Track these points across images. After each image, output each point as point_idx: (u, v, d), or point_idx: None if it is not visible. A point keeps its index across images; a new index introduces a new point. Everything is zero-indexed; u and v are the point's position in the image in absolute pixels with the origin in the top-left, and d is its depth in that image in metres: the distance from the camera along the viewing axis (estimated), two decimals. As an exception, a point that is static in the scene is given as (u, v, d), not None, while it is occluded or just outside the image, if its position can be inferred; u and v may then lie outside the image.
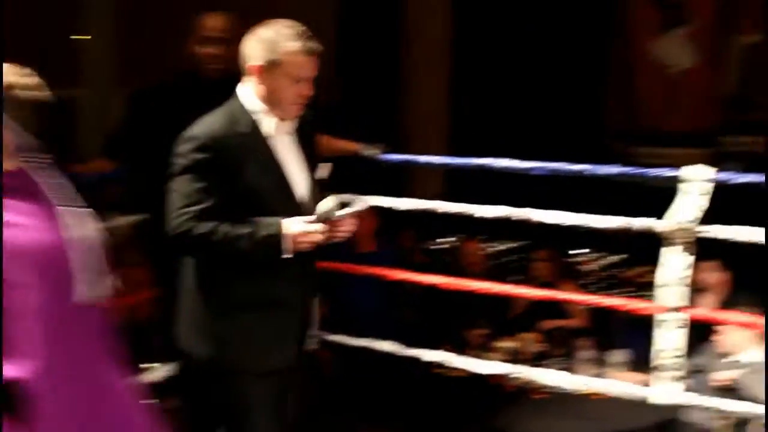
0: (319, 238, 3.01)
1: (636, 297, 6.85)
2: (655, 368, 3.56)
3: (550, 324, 6.29)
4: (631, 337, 6.03)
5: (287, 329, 3.12)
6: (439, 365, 4.44)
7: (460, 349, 5.24)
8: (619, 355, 5.40)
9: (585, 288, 7.40)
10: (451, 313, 6.16)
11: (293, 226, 2.96)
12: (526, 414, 4.93)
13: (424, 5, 9.09)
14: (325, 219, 3.00)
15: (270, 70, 2.99)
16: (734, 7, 8.91)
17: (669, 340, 3.52)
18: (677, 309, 3.50)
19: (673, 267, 3.49)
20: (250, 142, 3.00)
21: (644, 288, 6.83)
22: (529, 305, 6.39)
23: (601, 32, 9.18)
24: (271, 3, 5.14)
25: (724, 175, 3.50)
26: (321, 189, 3.16)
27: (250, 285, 3.03)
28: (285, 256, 2.96)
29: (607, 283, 7.66)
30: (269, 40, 2.99)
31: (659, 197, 3.63)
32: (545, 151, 4.47)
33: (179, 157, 2.96)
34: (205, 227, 2.89)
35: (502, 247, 8.15)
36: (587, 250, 7.92)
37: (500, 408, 5.06)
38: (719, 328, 4.80)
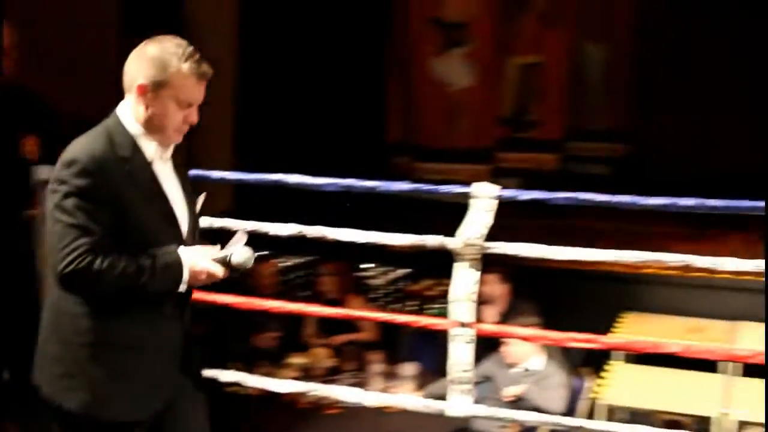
0: (218, 278, 2.83)
1: (422, 310, 7.05)
2: (450, 381, 3.65)
3: (340, 339, 6.36)
4: (420, 350, 6.19)
5: (167, 370, 2.86)
6: (231, 384, 4.39)
7: (252, 367, 5.21)
8: (409, 368, 5.52)
9: (374, 302, 7.53)
10: (242, 330, 6.13)
11: (197, 260, 2.78)
12: (321, 430, 4.96)
13: (207, 17, 8.98)
14: (238, 268, 2.83)
15: (155, 91, 2.75)
16: (511, 29, 9.29)
17: (460, 354, 3.62)
18: (467, 324, 3.60)
19: (463, 283, 3.59)
20: (133, 168, 2.73)
21: (430, 301, 7.03)
22: (319, 320, 6.44)
23: (382, 48, 9.34)
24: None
25: (510, 192, 3.64)
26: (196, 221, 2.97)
27: (129, 324, 2.76)
28: (181, 288, 2.77)
29: (394, 296, 7.80)
30: (157, 59, 2.74)
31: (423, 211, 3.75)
32: (331, 165, 4.51)
33: (60, 184, 2.66)
34: (103, 261, 2.62)
35: (290, 262, 8.15)
36: (373, 265, 8.03)
37: (294, 425, 5.07)
38: (506, 339, 5.00)
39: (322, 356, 6.06)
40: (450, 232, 3.62)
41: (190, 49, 2.78)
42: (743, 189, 4.11)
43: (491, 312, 5.87)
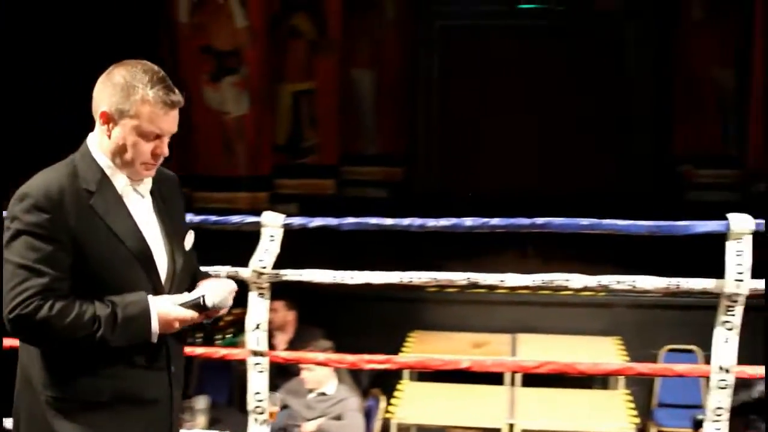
0: (191, 322, 2.55)
1: (211, 341, 6.97)
2: (251, 411, 3.63)
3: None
4: (210, 382, 6.12)
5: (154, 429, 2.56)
6: None
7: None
8: (200, 401, 5.46)
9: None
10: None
11: (168, 307, 2.49)
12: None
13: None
14: (215, 309, 2.56)
15: (118, 120, 2.47)
16: (282, 56, 9.38)
17: (256, 383, 3.61)
18: (262, 353, 3.60)
19: (256, 312, 3.58)
20: (98, 202, 2.45)
21: (219, 331, 6.95)
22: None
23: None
24: None
25: (300, 220, 3.66)
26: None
27: (94, 378, 2.46)
28: (152, 339, 2.48)
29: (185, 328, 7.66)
30: (122, 84, 2.46)
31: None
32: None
33: (11, 220, 2.40)
34: (53, 307, 2.35)
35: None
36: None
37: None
38: (303, 366, 5.03)
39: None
40: (231, 261, 3.61)
41: (160, 74, 2.51)
42: (514, 207, 4.34)
43: (282, 339, 5.89)
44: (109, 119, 2.47)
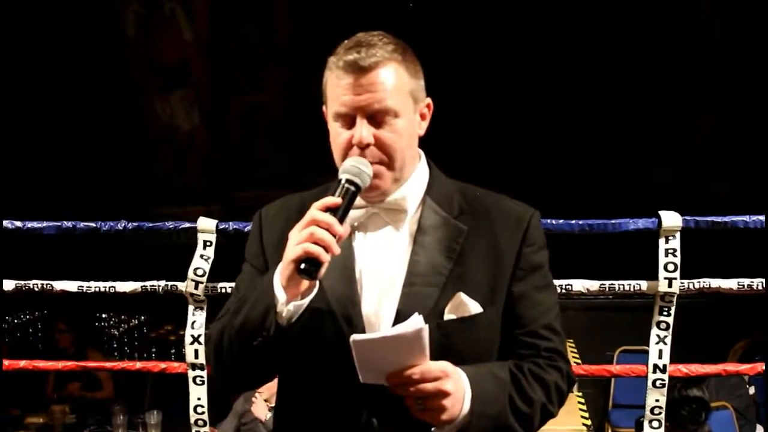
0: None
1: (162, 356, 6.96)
2: (192, 423, 3.61)
3: (76, 392, 6.20)
4: (166, 396, 6.10)
5: None
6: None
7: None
8: (154, 416, 5.43)
9: (115, 351, 7.36)
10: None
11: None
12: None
13: None
14: None
15: None
16: (232, 68, 9.36)
17: (195, 395, 3.59)
18: (199, 365, 3.57)
19: (192, 323, 3.56)
20: None
21: (175, 345, 6.94)
22: (56, 378, 6.26)
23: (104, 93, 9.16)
24: None
25: (234, 225, 3.60)
26: None
27: None
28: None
29: (138, 345, 7.66)
30: None
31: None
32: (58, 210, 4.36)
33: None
34: None
35: (17, 320, 7.78)
36: (106, 315, 7.84)
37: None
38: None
39: (60, 414, 5.87)
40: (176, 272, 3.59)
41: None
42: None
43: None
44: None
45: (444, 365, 1.80)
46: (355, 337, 1.76)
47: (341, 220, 1.81)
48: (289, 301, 1.82)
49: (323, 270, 1.79)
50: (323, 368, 1.92)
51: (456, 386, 1.80)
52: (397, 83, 1.92)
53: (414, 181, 2.00)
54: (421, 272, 1.93)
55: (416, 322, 1.77)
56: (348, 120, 1.92)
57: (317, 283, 1.84)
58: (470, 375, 1.84)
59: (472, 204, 2.01)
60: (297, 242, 1.78)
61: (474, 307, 1.93)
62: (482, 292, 1.94)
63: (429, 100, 2.02)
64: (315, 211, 1.80)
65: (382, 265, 1.95)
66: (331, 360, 1.89)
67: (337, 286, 1.92)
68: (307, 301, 1.83)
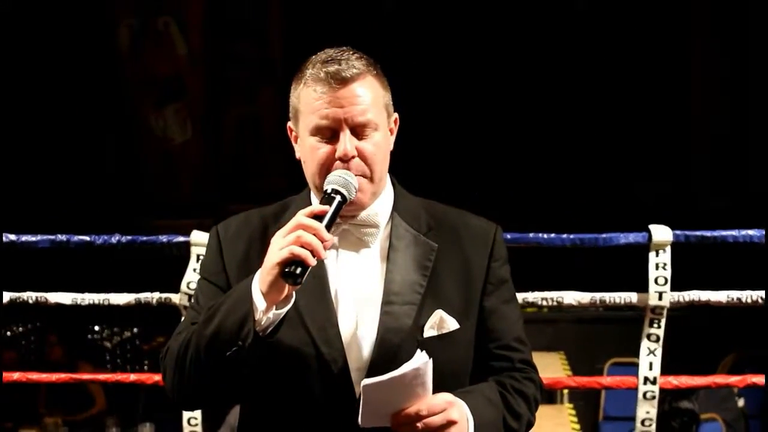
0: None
1: (155, 368, 6.95)
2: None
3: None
4: (158, 409, 6.10)
5: None
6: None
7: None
8: (147, 429, 5.45)
9: (107, 364, 7.36)
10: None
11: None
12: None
13: None
14: None
15: None
16: (226, 81, 9.39)
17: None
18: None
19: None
20: None
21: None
22: (48, 392, 6.26)
23: (98, 107, 9.17)
24: None
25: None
26: None
27: None
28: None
29: (130, 357, 7.66)
30: None
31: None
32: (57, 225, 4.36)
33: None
34: None
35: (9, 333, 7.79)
36: (99, 328, 7.83)
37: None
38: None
39: (53, 426, 5.87)
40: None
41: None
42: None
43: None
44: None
45: (444, 395, 1.82)
46: (366, 381, 1.74)
47: (328, 228, 1.79)
48: (268, 309, 1.78)
49: (305, 277, 1.75)
50: (295, 391, 1.88)
51: (460, 414, 1.82)
52: (374, 96, 1.92)
53: (383, 197, 2.00)
54: (397, 291, 1.92)
55: (421, 356, 1.77)
56: (328, 133, 1.89)
57: (293, 294, 1.81)
58: (468, 401, 1.85)
59: (439, 221, 2.02)
60: (282, 246, 1.75)
61: (452, 324, 1.94)
62: (456, 308, 1.95)
63: (396, 115, 2.02)
64: (301, 217, 1.78)
65: (358, 284, 1.93)
66: (305, 383, 1.87)
67: (312, 306, 1.90)
68: (284, 311, 1.80)
